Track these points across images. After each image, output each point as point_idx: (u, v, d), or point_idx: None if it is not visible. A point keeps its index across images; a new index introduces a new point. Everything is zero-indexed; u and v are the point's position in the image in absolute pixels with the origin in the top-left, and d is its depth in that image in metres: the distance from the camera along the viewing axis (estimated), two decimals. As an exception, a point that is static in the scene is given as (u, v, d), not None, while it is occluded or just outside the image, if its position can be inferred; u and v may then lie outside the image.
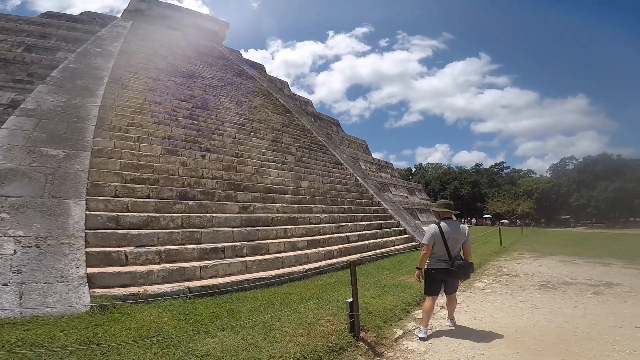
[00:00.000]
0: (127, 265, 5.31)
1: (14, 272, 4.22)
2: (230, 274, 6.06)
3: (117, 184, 6.93)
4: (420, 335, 4.27)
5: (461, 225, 4.59)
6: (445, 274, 4.30)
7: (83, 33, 17.81)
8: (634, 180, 51.73)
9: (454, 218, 4.82)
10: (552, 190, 63.06)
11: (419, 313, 5.07)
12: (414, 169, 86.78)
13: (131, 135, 8.93)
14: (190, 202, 7.36)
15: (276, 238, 7.80)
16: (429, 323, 4.51)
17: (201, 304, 4.64)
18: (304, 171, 12.39)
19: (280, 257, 6.96)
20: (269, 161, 11.63)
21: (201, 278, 5.65)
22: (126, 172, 7.43)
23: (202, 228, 6.82)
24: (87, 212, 5.73)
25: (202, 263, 5.88)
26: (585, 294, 6.50)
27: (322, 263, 7.50)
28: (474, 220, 66.31)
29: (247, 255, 6.76)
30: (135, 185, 7.12)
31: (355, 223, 10.73)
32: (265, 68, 32.55)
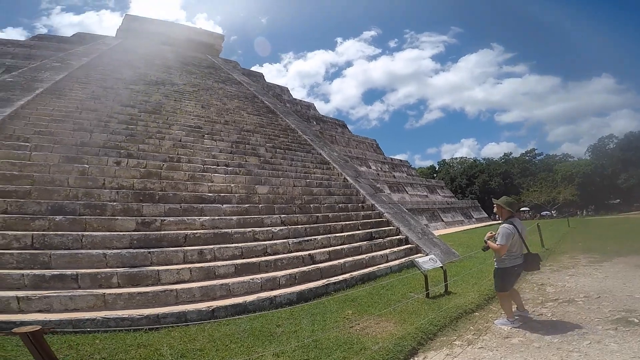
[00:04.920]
0: None
1: None
2: (76, 310, 4.46)
3: None
4: (515, 325, 4.61)
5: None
6: (520, 269, 4.72)
7: (63, 53, 17.29)
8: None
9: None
10: (595, 173, 56.59)
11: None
12: (437, 166, 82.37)
13: (29, 144, 7.65)
14: (58, 218, 5.80)
15: (183, 263, 5.97)
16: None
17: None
18: (268, 174, 10.60)
19: (174, 290, 5.15)
20: (217, 165, 9.95)
21: (21, 311, 4.21)
22: (-13, 185, 6.00)
23: (57, 250, 5.23)
24: None
25: (30, 293, 4.40)
26: None
27: (252, 297, 5.47)
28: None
29: (118, 287, 5.06)
30: (-11, 200, 5.68)
31: (329, 235, 8.43)
32: (263, 76, 31.53)
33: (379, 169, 25.37)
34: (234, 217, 7.74)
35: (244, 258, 6.63)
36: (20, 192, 6.15)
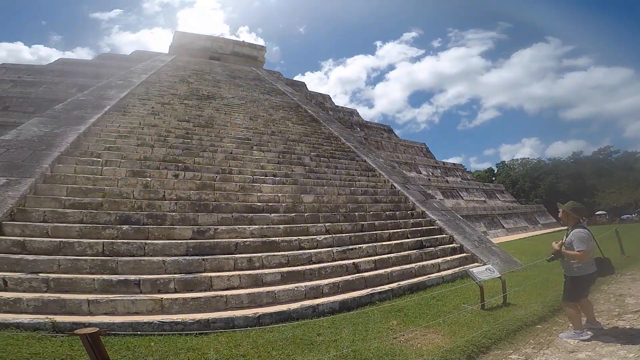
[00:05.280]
0: (3, 291, 4.69)
1: None
2: (137, 313, 4.81)
3: (47, 209, 6.43)
4: (584, 337, 4.23)
5: None
6: (595, 276, 4.49)
7: (125, 71, 19.32)
8: None
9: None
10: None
11: None
12: (496, 169, 76.90)
13: (100, 159, 8.54)
14: (125, 227, 6.36)
15: (233, 270, 6.21)
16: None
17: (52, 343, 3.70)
18: (313, 183, 10.70)
19: (224, 296, 5.38)
20: (266, 175, 10.27)
21: (90, 314, 4.63)
22: (67, 197, 6.89)
23: (123, 256, 5.72)
24: None
25: (99, 296, 4.82)
26: None
27: (296, 305, 5.52)
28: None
29: (174, 292, 5.40)
30: (68, 210, 6.51)
31: (375, 244, 8.27)
32: (305, 85, 32.28)
33: (430, 174, 24.45)
34: (281, 226, 7.90)
35: (289, 266, 6.72)
36: (94, 204, 6.86)
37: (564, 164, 64.84)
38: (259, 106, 18.06)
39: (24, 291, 4.75)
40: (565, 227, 4.73)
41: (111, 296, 4.86)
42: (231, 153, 11.03)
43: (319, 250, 7.44)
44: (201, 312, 5.04)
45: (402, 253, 8.32)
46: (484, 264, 7.78)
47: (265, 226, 7.72)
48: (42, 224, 6.03)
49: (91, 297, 4.78)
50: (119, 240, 6.02)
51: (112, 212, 6.72)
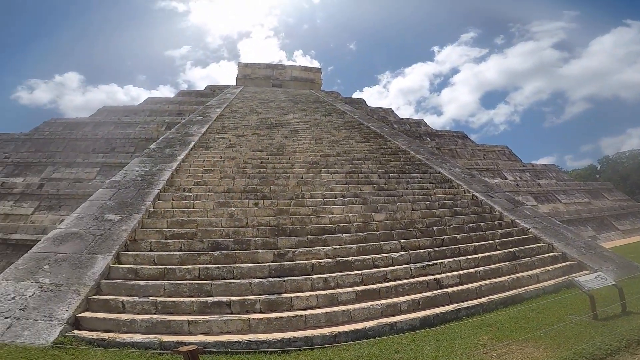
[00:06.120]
0: (122, 312, 5.58)
1: (19, 309, 5.25)
2: (228, 333, 5.30)
3: (153, 240, 7.46)
4: None
5: None
6: None
7: (202, 106, 21.81)
8: None
9: None
10: None
11: None
12: (598, 165, 66.36)
13: (191, 194, 9.67)
14: (216, 253, 7.07)
15: (311, 290, 6.49)
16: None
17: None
18: (384, 200, 10.61)
19: (303, 316, 5.66)
20: (335, 197, 10.52)
21: (190, 333, 5.24)
22: (168, 229, 7.94)
23: (216, 280, 6.37)
24: (114, 265, 6.49)
25: (197, 317, 5.41)
26: None
27: (372, 323, 5.57)
28: None
29: (260, 312, 5.81)
30: (169, 240, 7.47)
31: (458, 258, 7.90)
32: (364, 101, 32.54)
33: (517, 178, 22.38)
34: (353, 246, 7.98)
35: (364, 285, 6.78)
36: (189, 233, 7.79)
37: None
38: (322, 128, 18.67)
39: (137, 313, 5.56)
40: None
41: (207, 317, 5.42)
42: (302, 178, 11.54)
43: (395, 267, 7.36)
44: (283, 331, 5.34)
45: (492, 266, 7.86)
46: (595, 272, 6.95)
47: (338, 246, 7.90)
48: (149, 253, 7.03)
49: (191, 318, 5.39)
50: (211, 265, 6.72)
51: (204, 240, 7.53)
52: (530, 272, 7.71)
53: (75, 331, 5.06)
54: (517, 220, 10.10)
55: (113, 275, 6.32)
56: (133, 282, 6.14)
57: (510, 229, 9.81)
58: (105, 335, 4.98)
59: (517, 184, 20.60)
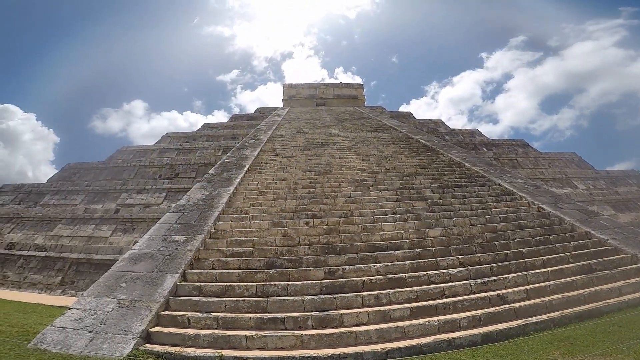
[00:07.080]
0: (187, 327, 6.03)
1: (100, 323, 5.82)
2: (282, 348, 5.55)
3: (214, 258, 8.04)
4: None
5: None
6: None
7: (253, 129, 23.17)
8: None
9: None
10: None
11: None
12: (692, 169, 57.45)
13: (247, 215, 10.31)
14: (272, 271, 7.45)
15: (361, 307, 6.55)
16: None
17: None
18: (439, 216, 10.37)
19: (354, 332, 5.74)
20: (385, 214, 10.50)
21: (247, 348, 5.54)
22: (227, 248, 8.51)
23: (271, 297, 6.70)
24: (181, 283, 7.08)
25: (254, 333, 5.73)
26: None
27: (427, 339, 5.47)
28: None
29: (312, 328, 6.00)
30: (229, 259, 8.02)
31: (525, 273, 7.48)
32: (412, 114, 32.11)
33: (590, 187, 20.55)
34: (406, 262, 7.88)
35: (419, 301, 6.66)
36: (247, 252, 8.31)
37: None
38: (369, 145, 18.79)
39: (201, 328, 6.00)
40: None
41: (263, 332, 5.71)
42: (350, 196, 11.70)
43: (453, 283, 7.17)
44: (333, 347, 5.45)
45: (564, 280, 7.37)
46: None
47: (390, 263, 7.85)
48: (211, 271, 7.62)
49: (248, 333, 5.70)
50: (267, 283, 7.09)
51: (260, 258, 7.99)
52: (610, 285, 7.14)
53: (147, 345, 5.54)
54: (592, 232, 9.35)
55: (180, 292, 6.90)
56: (197, 298, 6.66)
57: (584, 241, 9.05)
58: (172, 349, 5.40)
59: (591, 193, 18.94)
